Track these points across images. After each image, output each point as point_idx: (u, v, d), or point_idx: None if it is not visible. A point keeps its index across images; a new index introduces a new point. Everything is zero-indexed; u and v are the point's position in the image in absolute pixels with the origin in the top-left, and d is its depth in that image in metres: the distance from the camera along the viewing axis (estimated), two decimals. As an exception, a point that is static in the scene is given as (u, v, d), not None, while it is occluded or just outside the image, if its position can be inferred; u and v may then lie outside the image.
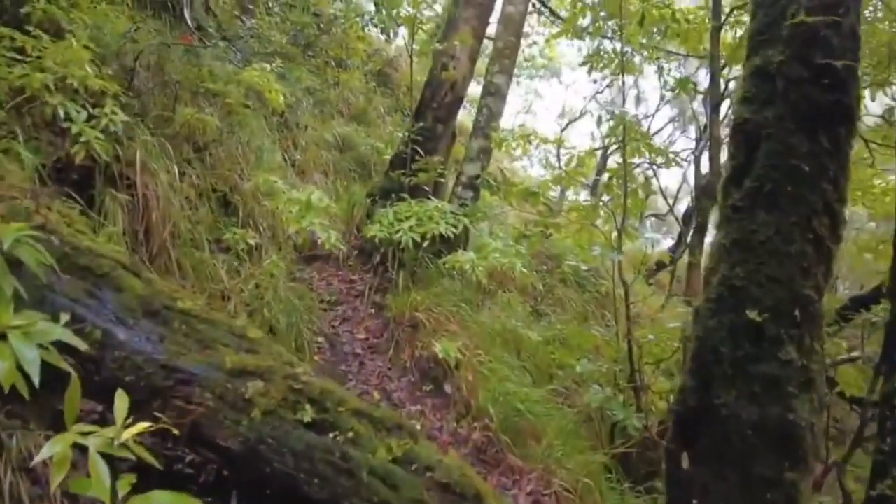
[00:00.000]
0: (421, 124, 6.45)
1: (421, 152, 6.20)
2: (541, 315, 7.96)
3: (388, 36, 14.79)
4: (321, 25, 8.93)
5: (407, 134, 6.41)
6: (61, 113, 3.44)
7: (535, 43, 20.78)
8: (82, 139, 3.41)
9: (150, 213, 3.98)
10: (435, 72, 6.76)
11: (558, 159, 5.71)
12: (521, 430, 4.06)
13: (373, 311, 5.12)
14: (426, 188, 6.02)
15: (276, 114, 8.24)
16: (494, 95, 6.62)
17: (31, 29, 3.70)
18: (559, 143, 5.86)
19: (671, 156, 5.88)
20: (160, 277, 4.06)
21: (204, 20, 6.49)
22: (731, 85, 6.57)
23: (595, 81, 19.51)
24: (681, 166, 6.65)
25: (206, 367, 2.45)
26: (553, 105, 24.20)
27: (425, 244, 5.08)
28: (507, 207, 10.06)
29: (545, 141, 5.51)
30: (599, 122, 5.66)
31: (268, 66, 5.59)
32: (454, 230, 5.11)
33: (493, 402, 3.90)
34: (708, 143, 7.11)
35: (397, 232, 5.07)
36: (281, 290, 4.50)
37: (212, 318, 2.66)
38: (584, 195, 14.47)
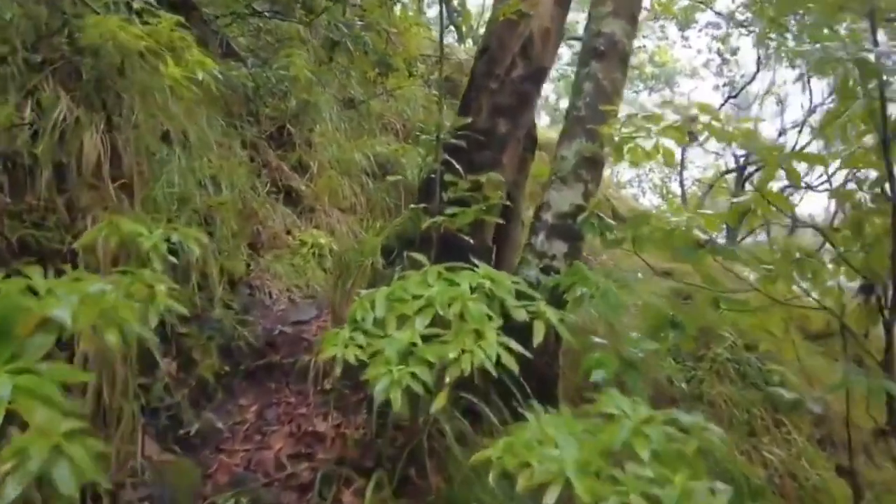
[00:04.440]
0: (469, 120, 3.47)
1: (461, 171, 3.20)
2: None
3: (461, 37, 12.14)
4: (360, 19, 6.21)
5: (438, 138, 3.42)
6: None
7: (643, 47, 17.36)
8: None
9: None
10: (494, 29, 3.79)
11: (681, 184, 2.68)
12: None
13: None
14: (469, 238, 3.00)
15: (268, 121, 5.60)
16: (604, 58, 3.49)
17: None
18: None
19: None
20: None
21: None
22: None
23: (724, 84, 15.91)
24: None
25: None
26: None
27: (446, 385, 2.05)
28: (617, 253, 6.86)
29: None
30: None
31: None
32: (517, 349, 2.04)
33: None
34: None
35: (376, 354, 2.07)
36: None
37: None
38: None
